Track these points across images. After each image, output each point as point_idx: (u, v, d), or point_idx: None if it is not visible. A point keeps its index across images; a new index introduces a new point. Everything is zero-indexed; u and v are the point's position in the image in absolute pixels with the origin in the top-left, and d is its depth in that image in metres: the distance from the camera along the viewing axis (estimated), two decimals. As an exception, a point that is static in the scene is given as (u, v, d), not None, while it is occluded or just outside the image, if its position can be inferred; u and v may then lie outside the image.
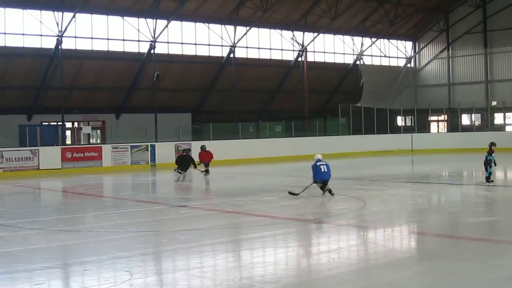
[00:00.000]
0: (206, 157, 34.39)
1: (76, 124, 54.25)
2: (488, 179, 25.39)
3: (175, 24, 52.95)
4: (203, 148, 34.68)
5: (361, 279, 11.50)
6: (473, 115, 63.36)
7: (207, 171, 33.89)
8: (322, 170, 23.21)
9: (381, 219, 18.08)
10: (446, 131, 64.54)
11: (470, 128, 60.60)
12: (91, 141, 53.39)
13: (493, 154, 25.29)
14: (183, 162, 31.92)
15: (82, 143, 49.85)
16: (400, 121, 64.26)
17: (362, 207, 20.09)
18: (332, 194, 22.56)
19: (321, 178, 23.16)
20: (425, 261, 12.74)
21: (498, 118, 62.33)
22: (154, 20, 51.01)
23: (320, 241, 15.39)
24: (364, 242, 15.12)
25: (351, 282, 11.27)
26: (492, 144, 25.78)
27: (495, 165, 25.43)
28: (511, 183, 29.51)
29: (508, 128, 60.45)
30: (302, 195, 22.55)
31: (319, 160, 23.60)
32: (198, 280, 11.61)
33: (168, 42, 53.36)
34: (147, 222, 18.66)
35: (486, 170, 25.48)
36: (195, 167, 32.24)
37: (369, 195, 23.50)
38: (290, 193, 23.11)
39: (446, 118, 66.18)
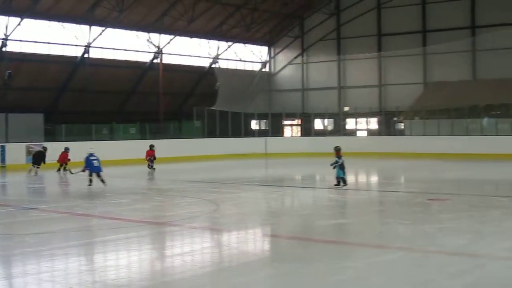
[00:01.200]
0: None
1: None
2: (339, 182, 25.96)
3: (28, 22, 51.55)
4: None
5: (213, 282, 11.54)
6: (325, 120, 64.72)
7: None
8: (95, 164, 27.30)
9: (234, 222, 18.20)
10: (299, 135, 65.63)
11: (322, 133, 61.88)
12: None
13: (337, 159, 25.95)
14: (38, 157, 35.38)
15: None
16: (254, 124, 64.92)
17: (215, 210, 20.18)
18: (104, 183, 26.78)
19: (94, 171, 27.35)
20: (276, 263, 12.92)
21: (350, 123, 63.90)
22: (7, 17, 49.51)
23: (173, 244, 15.36)
24: (217, 245, 15.19)
25: (204, 285, 11.31)
26: (336, 149, 26.36)
27: (339, 168, 26.02)
28: (361, 187, 30.29)
29: (359, 133, 62.07)
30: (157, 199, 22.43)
31: (91, 155, 27.49)
32: (49, 284, 11.37)
33: (21, 40, 51.86)
34: (-5, 225, 18.13)
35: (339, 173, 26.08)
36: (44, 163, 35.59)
37: (222, 198, 23.64)
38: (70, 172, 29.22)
39: (299, 123, 67.31)
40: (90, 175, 27.50)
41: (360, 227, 17.17)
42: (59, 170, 36.07)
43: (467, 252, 13.56)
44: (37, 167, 34.79)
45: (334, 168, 26.09)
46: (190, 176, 34.59)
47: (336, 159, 25.96)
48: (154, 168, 37.57)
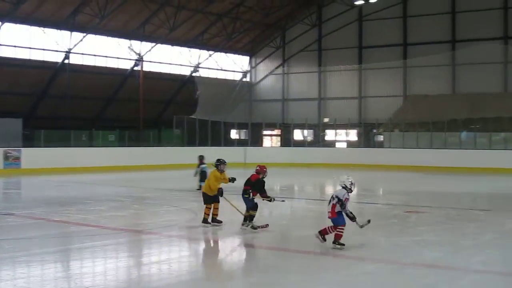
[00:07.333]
0: None
1: None
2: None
3: (8, 26, 51.35)
4: None
5: (190, 291, 11.53)
6: (305, 130, 64.77)
7: None
8: None
9: (212, 231, 18.15)
10: (279, 145, 65.67)
11: (302, 143, 61.92)
12: None
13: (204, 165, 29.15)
14: None
15: None
16: (234, 134, 64.88)
17: (192, 219, 20.14)
18: None
19: None
20: (256, 273, 12.91)
21: (330, 135, 64.05)
22: (-13, 21, 49.38)
23: (150, 252, 15.30)
24: (194, 254, 15.17)
25: (180, 293, 11.29)
26: (201, 157, 29.95)
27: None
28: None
29: (338, 145, 62.17)
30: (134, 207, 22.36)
31: None
32: (23, 291, 11.30)
33: (1, 45, 51.68)
34: (-29, 230, 18.01)
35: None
36: None
37: (199, 207, 23.57)
38: None
39: (279, 133, 67.37)
40: None
41: (338, 238, 17.16)
42: None
43: (443, 265, 13.61)
44: None
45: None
46: (168, 184, 34.50)
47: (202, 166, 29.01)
48: None
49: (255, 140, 62.20)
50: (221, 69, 69.83)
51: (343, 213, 14.89)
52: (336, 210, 14.88)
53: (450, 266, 13.51)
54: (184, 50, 65.10)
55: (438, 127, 52.28)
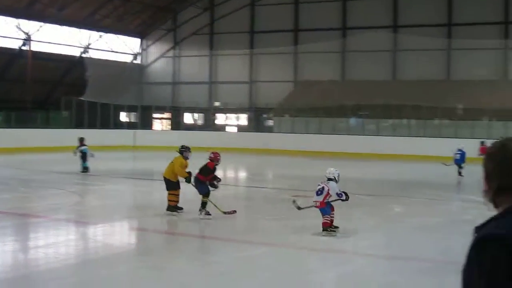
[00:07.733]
0: None
1: None
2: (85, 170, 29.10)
3: None
4: None
5: (75, 274, 11.46)
6: (196, 114, 64.77)
7: None
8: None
9: (99, 214, 18.05)
10: (169, 128, 65.48)
11: (192, 127, 61.91)
12: None
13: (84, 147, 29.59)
14: None
15: None
16: (124, 117, 64.32)
17: (79, 202, 19.96)
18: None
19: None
20: (143, 257, 12.88)
21: (220, 119, 64.24)
22: None
23: (36, 235, 15.07)
24: (81, 237, 15.04)
25: (66, 277, 11.18)
26: (81, 139, 30.22)
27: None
28: (229, 182, 30.53)
29: (228, 129, 62.43)
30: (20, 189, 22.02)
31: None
32: None
33: None
34: None
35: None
36: None
37: (86, 190, 23.42)
38: None
39: (169, 116, 67.15)
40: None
41: (227, 222, 17.25)
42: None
43: (330, 249, 13.87)
44: None
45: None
46: (55, 167, 33.98)
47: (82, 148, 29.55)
48: None
49: (145, 123, 61.81)
50: (112, 51, 68.93)
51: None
52: (325, 201, 15.13)
53: (337, 250, 13.80)
54: (74, 30, 63.98)
55: (327, 112, 53.08)
